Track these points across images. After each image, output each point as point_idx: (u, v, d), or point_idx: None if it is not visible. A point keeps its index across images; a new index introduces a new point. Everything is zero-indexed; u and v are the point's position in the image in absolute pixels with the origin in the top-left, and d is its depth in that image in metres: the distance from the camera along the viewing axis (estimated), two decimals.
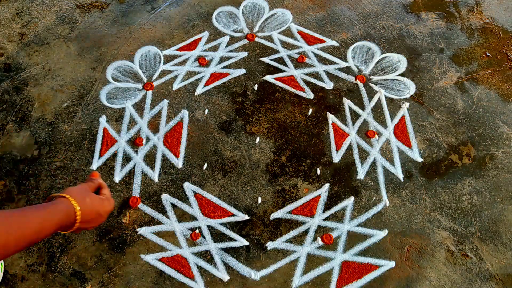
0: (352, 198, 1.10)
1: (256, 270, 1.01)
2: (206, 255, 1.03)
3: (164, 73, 1.31)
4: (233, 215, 1.08)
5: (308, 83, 1.29)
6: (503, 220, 1.08)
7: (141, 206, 1.08)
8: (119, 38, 1.37)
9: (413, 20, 1.43)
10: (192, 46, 1.36)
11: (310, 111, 1.24)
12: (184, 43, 1.37)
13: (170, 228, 1.06)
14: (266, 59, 1.34)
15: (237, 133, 1.20)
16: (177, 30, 1.40)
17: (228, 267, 1.01)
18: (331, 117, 1.23)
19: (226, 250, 1.03)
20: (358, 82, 1.29)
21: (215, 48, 1.36)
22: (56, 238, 1.04)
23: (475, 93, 1.28)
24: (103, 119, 1.21)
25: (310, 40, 1.38)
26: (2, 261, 1.00)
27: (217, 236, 1.05)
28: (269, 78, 1.30)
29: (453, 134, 1.21)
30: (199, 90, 1.28)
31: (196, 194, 1.11)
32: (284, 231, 1.06)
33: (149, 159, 1.16)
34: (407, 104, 1.25)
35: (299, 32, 1.40)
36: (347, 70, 1.32)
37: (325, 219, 1.08)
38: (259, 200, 1.10)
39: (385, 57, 1.34)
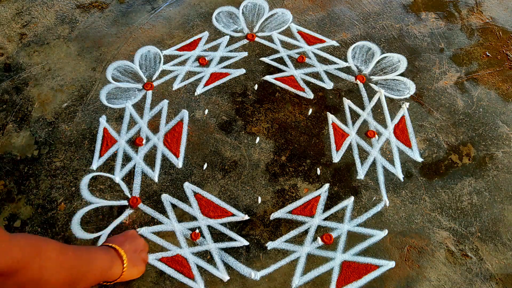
0: (352, 198, 1.10)
1: (256, 270, 1.01)
2: (206, 255, 1.03)
3: (164, 73, 1.31)
4: (233, 215, 1.08)
5: (308, 83, 1.29)
6: (503, 220, 1.08)
7: (141, 206, 1.09)
8: (119, 38, 1.37)
9: (413, 20, 1.43)
10: (192, 46, 1.36)
11: (310, 111, 1.24)
12: (184, 43, 1.37)
13: (170, 228, 1.06)
14: (266, 59, 1.34)
15: (237, 133, 1.20)
16: (177, 30, 1.40)
17: (228, 267, 1.01)
18: (331, 117, 1.23)
19: (226, 250, 1.03)
20: (358, 82, 1.29)
21: (215, 48, 1.36)
22: (56, 238, 1.04)
23: (475, 93, 1.28)
24: (103, 119, 1.21)
25: (310, 40, 1.38)
26: None
27: (217, 236, 1.05)
28: (269, 78, 1.30)
29: (453, 134, 1.21)
30: (199, 90, 1.28)
31: (196, 194, 1.11)
32: (284, 231, 1.06)
33: (149, 159, 1.16)
34: (407, 104, 1.25)
35: (299, 32, 1.40)
36: (347, 70, 1.32)
37: (325, 219, 1.08)
38: (259, 200, 1.10)
39: (385, 57, 1.34)
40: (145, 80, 1.29)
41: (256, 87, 1.29)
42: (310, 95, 1.27)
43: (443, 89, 1.28)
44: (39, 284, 0.52)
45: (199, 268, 1.01)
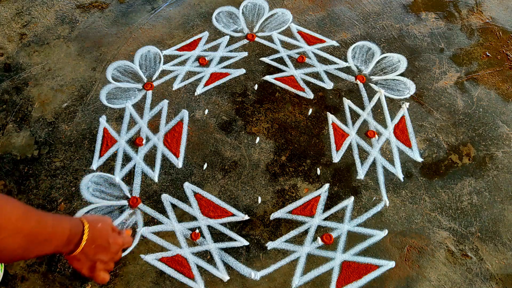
0: (352, 198, 1.10)
1: (256, 270, 1.01)
2: (206, 255, 1.03)
3: (164, 73, 1.31)
4: (233, 215, 1.08)
5: (308, 83, 1.29)
6: (503, 220, 1.08)
7: (141, 206, 1.09)
8: (119, 38, 1.37)
9: (413, 20, 1.43)
10: (192, 46, 1.36)
11: (310, 111, 1.24)
12: (184, 43, 1.37)
13: (170, 228, 1.06)
14: (266, 59, 1.34)
15: (237, 133, 1.20)
16: (177, 30, 1.40)
17: (228, 267, 1.01)
18: (331, 117, 1.23)
19: (226, 250, 1.03)
20: (358, 82, 1.29)
21: (215, 48, 1.36)
22: None
23: (475, 93, 1.28)
24: (103, 119, 1.21)
25: (310, 40, 1.38)
26: None
27: (217, 236, 1.05)
28: (269, 78, 1.30)
29: (453, 134, 1.21)
30: (199, 90, 1.28)
31: (196, 194, 1.11)
32: (284, 231, 1.06)
33: (149, 159, 1.16)
34: (407, 104, 1.25)
35: (299, 32, 1.40)
36: (347, 70, 1.32)
37: (325, 219, 1.08)
38: (259, 200, 1.10)
39: (385, 57, 1.34)
40: (145, 80, 1.29)
41: (256, 87, 1.29)
42: (310, 95, 1.27)
43: (443, 89, 1.28)
44: None
45: (199, 268, 1.01)
